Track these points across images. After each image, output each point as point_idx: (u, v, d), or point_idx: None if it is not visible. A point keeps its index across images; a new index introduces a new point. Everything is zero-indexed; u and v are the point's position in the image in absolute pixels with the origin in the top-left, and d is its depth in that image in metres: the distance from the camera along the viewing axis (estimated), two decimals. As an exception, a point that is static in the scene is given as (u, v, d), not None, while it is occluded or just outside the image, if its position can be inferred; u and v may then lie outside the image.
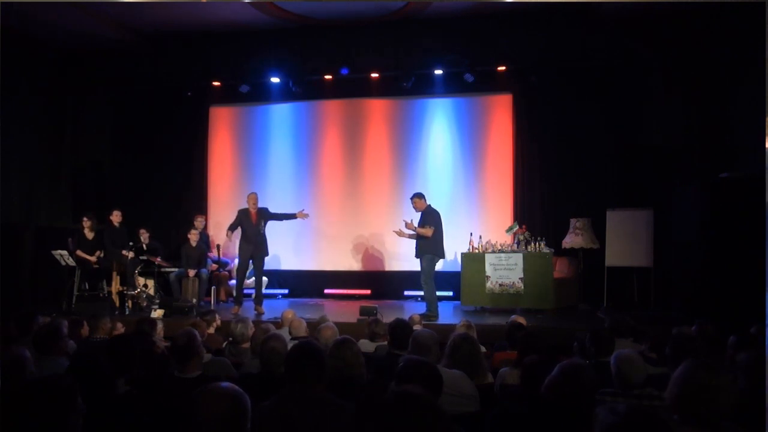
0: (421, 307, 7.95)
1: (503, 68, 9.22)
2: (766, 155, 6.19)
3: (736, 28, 7.51)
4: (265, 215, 8.25)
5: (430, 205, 7.63)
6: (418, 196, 7.66)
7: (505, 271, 8.00)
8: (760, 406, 2.50)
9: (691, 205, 7.45)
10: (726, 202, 6.88)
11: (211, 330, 5.56)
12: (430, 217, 7.47)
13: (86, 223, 8.56)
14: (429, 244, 7.42)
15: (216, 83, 10.01)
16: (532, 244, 7.99)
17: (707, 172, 7.65)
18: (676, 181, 8.02)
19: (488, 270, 8.08)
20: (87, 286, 8.53)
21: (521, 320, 5.08)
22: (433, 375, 2.48)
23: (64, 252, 8.30)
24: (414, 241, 7.66)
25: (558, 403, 2.36)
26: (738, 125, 7.77)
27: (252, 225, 8.13)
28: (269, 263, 10.04)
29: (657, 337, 4.02)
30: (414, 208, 7.66)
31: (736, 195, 6.81)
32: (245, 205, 8.31)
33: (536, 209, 9.29)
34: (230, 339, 4.77)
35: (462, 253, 8.40)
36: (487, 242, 8.34)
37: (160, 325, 5.21)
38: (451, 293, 9.06)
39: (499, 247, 8.21)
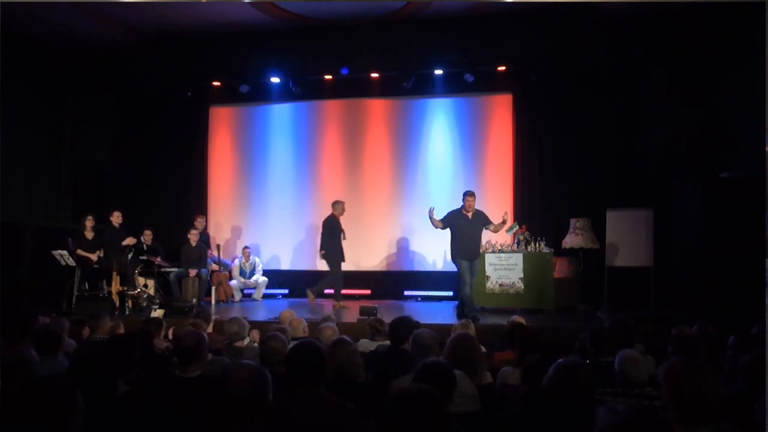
0: (421, 307, 7.96)
1: (503, 68, 9.22)
2: (766, 155, 6.19)
3: (736, 28, 7.51)
4: None
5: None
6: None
7: (505, 271, 8.00)
8: (760, 407, 2.49)
9: (691, 205, 7.45)
10: (726, 202, 6.88)
11: (209, 329, 5.55)
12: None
13: (89, 222, 8.57)
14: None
15: (216, 83, 10.00)
16: (532, 244, 7.99)
17: (707, 172, 7.65)
18: (676, 181, 8.02)
19: (488, 270, 8.07)
20: (87, 286, 8.53)
21: (521, 320, 5.07)
22: (450, 378, 2.52)
23: (64, 252, 8.30)
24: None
25: (557, 402, 2.36)
26: (738, 125, 7.78)
27: None
28: (269, 263, 10.08)
29: (651, 340, 4.00)
30: (471, 206, 7.49)
31: (736, 195, 6.81)
32: (332, 212, 8.61)
33: (536, 209, 9.29)
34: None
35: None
36: (486, 242, 8.32)
37: (164, 326, 5.22)
38: (451, 293, 9.06)
39: (499, 247, 8.21)
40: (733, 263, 6.68)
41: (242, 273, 9.56)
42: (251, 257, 9.60)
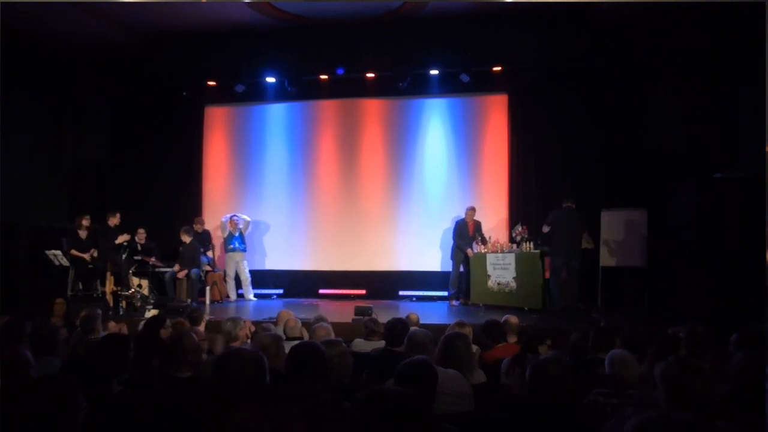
0: (416, 307, 7.98)
1: (499, 68, 9.24)
2: (767, 155, 6.17)
3: (735, 28, 7.49)
4: None
5: (561, 203, 7.96)
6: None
7: (502, 271, 8.08)
8: (759, 406, 2.50)
9: (685, 205, 7.48)
10: (719, 202, 6.90)
11: (201, 329, 5.50)
12: (550, 216, 7.94)
13: (84, 222, 8.54)
14: (550, 244, 7.85)
15: (211, 83, 9.99)
16: (525, 244, 8.04)
17: (701, 173, 7.67)
18: (670, 181, 8.05)
19: (489, 269, 8.24)
20: (81, 287, 8.50)
21: (514, 319, 5.08)
22: (430, 375, 2.52)
23: (58, 252, 8.27)
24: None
25: (537, 401, 2.40)
26: (732, 126, 7.78)
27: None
28: (263, 263, 10.06)
29: (630, 336, 4.03)
30: None
31: (729, 195, 6.84)
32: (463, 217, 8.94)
33: (532, 209, 9.28)
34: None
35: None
36: (491, 241, 8.51)
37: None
38: (446, 293, 9.07)
39: (495, 247, 8.30)
40: (726, 263, 6.70)
41: (231, 242, 9.43)
42: (238, 224, 9.51)
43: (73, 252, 8.40)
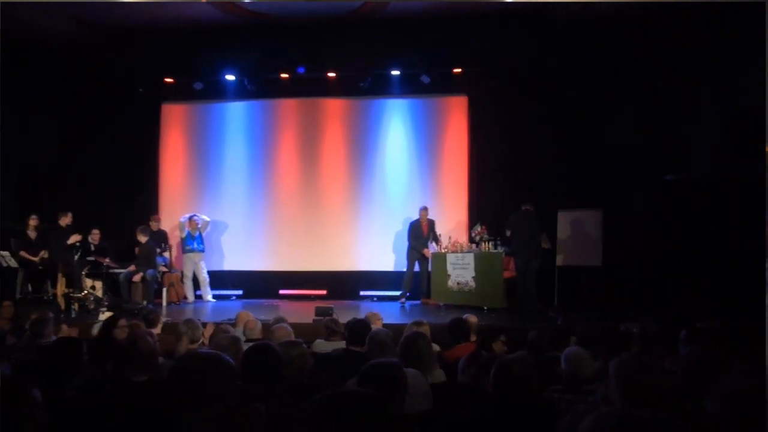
0: (377, 307, 8.00)
1: (459, 70, 9.34)
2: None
3: (691, 29, 7.66)
4: None
5: (520, 206, 8.17)
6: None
7: (461, 270, 8.18)
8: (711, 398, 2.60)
9: (639, 205, 7.72)
10: (670, 203, 7.15)
11: (157, 331, 5.40)
12: (509, 219, 8.21)
13: (32, 222, 8.25)
14: (510, 245, 8.16)
15: (169, 80, 9.78)
16: (484, 244, 8.15)
17: (655, 174, 7.89)
18: (625, 182, 8.26)
19: (449, 269, 8.33)
20: (30, 289, 8.21)
21: (473, 318, 5.16)
22: (398, 377, 2.50)
23: (6, 253, 7.97)
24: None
25: (500, 399, 2.44)
26: (688, 127, 8.01)
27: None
28: (222, 264, 9.92)
29: (586, 334, 4.15)
30: None
31: (681, 196, 7.08)
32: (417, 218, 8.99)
33: (491, 210, 9.39)
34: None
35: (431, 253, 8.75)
36: (451, 241, 8.58)
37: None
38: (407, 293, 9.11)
39: (455, 247, 8.39)
40: (678, 263, 6.95)
41: (190, 242, 9.25)
42: (198, 222, 9.35)
43: (23, 254, 8.11)
